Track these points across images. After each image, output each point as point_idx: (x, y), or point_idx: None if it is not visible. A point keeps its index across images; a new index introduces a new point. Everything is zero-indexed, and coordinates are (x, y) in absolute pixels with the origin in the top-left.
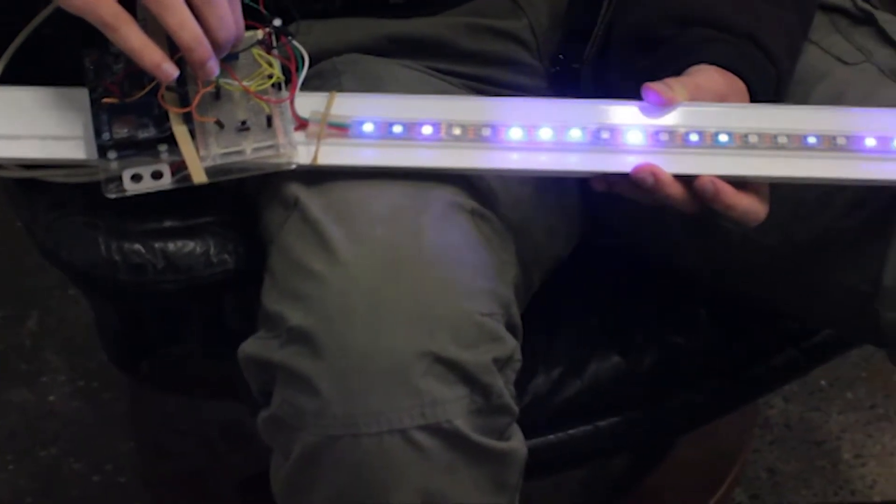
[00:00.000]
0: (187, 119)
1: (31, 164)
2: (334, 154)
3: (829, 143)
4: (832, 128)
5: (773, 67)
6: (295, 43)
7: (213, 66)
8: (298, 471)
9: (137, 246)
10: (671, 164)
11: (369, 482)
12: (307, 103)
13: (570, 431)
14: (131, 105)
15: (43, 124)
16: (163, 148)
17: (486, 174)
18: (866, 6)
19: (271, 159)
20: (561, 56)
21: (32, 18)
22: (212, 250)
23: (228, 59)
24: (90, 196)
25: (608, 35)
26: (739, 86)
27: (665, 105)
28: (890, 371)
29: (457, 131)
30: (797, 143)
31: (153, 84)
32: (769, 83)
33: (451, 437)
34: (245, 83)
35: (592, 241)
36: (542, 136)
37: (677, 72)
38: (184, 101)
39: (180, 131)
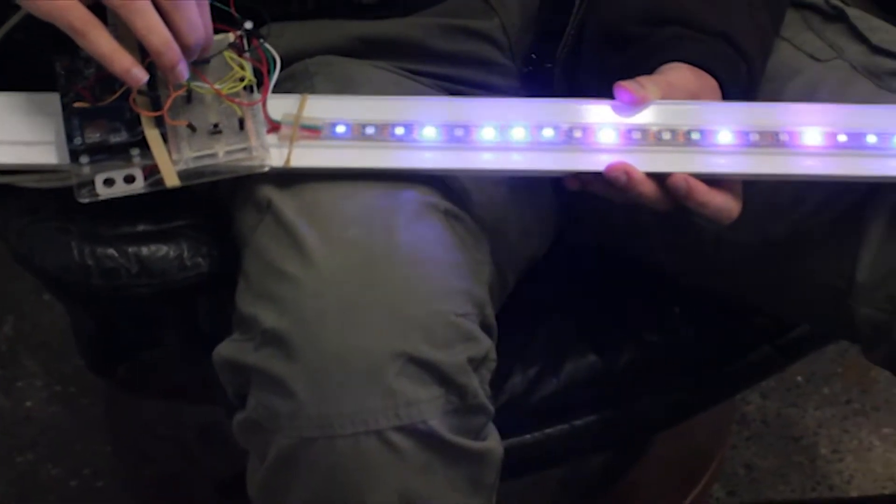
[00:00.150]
0: (159, 123)
1: (2, 170)
2: (307, 156)
3: (801, 140)
4: (804, 124)
5: (745, 65)
6: (266, 45)
7: (183, 70)
8: (274, 473)
9: (111, 250)
10: (644, 163)
11: (345, 484)
12: (279, 105)
13: (547, 430)
14: (103, 109)
15: (14, 130)
16: (135, 152)
17: (460, 174)
18: (838, 3)
19: (244, 162)
20: (533, 56)
21: (3, 24)
22: (185, 254)
23: (200, 63)
24: (63, 201)
25: (580, 34)
26: (711, 83)
27: (637, 103)
28: (866, 366)
29: (429, 132)
30: (770, 140)
31: (124, 88)
32: (741, 81)
33: (426, 438)
34: (217, 86)
35: (567, 240)
36: (515, 135)
37: (649, 70)
38: (155, 104)
39: (152, 135)
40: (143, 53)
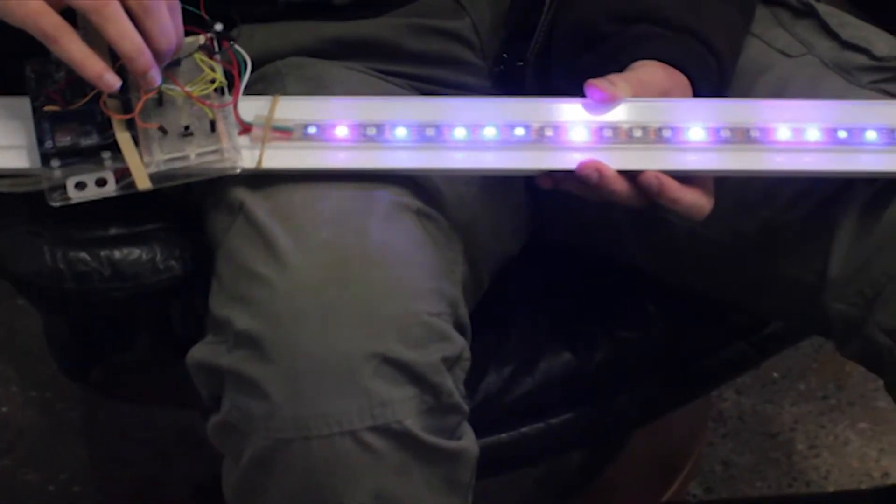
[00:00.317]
0: (130, 126)
1: None
2: (279, 157)
3: (773, 136)
4: (775, 121)
5: (716, 62)
6: (237, 47)
7: (155, 76)
8: (249, 476)
9: (83, 254)
10: (616, 160)
11: (321, 485)
12: (251, 107)
13: (523, 429)
14: (74, 113)
15: None
16: (106, 155)
17: (432, 174)
18: None
19: (216, 164)
20: (504, 55)
21: None
22: (158, 257)
23: (170, 65)
24: (34, 205)
25: (551, 33)
26: (682, 80)
27: (608, 101)
28: (841, 361)
29: (401, 132)
30: (741, 137)
31: (95, 91)
32: (712, 77)
33: (401, 438)
34: (188, 88)
35: (541, 238)
36: (487, 135)
37: (620, 68)
38: (126, 107)
39: (123, 138)
40: (113, 57)
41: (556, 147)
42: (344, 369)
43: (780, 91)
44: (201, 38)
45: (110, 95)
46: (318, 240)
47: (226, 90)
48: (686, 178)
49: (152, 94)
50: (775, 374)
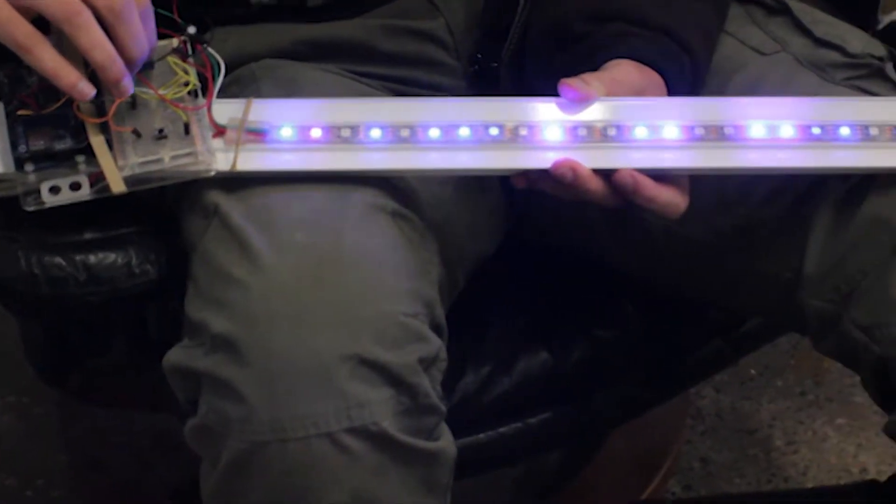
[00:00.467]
0: (104, 129)
1: None
2: (253, 160)
3: (747, 134)
4: (750, 118)
5: (689, 60)
6: (210, 50)
7: (128, 85)
8: (227, 478)
9: (58, 259)
10: (590, 159)
11: (298, 487)
12: (225, 110)
13: (501, 429)
14: (47, 117)
15: None
16: (80, 159)
17: (407, 175)
18: None
19: (190, 167)
20: (479, 55)
21: None
22: (133, 261)
23: (144, 68)
24: (8, 210)
25: (525, 33)
26: (656, 79)
27: (582, 100)
28: (818, 358)
29: (375, 133)
30: (715, 135)
31: (68, 96)
32: (686, 76)
33: (378, 439)
34: (161, 92)
35: (517, 238)
36: (461, 135)
37: (594, 67)
38: (100, 111)
39: (97, 142)
40: (86, 63)
41: (530, 146)
42: (320, 371)
43: (754, 89)
44: (174, 41)
45: None
46: (293, 242)
47: (199, 93)
48: (661, 176)
49: (126, 98)
50: (753, 371)
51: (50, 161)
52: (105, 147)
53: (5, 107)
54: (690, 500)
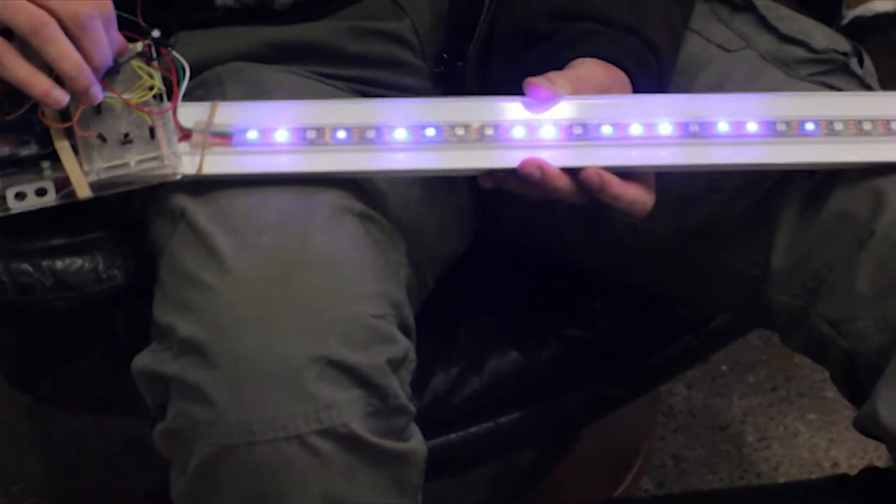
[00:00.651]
0: (69, 134)
1: None
2: (219, 163)
3: (714, 130)
4: (715, 115)
5: (655, 58)
6: (175, 53)
7: (97, 92)
8: (196, 482)
9: (25, 265)
10: (557, 158)
11: (268, 490)
12: (190, 113)
13: (472, 429)
14: (12, 123)
15: None
16: (46, 164)
17: (373, 176)
18: None
19: (156, 171)
20: (445, 55)
21: None
22: (100, 266)
23: (108, 73)
24: None
25: (491, 33)
26: (622, 77)
27: (548, 99)
28: (789, 353)
29: (341, 135)
30: (681, 132)
31: (33, 101)
32: (651, 74)
33: (348, 441)
34: (126, 96)
35: (487, 238)
36: (428, 135)
37: (560, 66)
38: (65, 116)
39: (62, 147)
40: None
41: (497, 146)
42: (288, 373)
43: (720, 85)
44: (139, 45)
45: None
46: (260, 245)
47: (165, 97)
48: (628, 174)
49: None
50: (724, 368)
51: (15, 167)
52: (70, 152)
53: None
54: (662, 497)
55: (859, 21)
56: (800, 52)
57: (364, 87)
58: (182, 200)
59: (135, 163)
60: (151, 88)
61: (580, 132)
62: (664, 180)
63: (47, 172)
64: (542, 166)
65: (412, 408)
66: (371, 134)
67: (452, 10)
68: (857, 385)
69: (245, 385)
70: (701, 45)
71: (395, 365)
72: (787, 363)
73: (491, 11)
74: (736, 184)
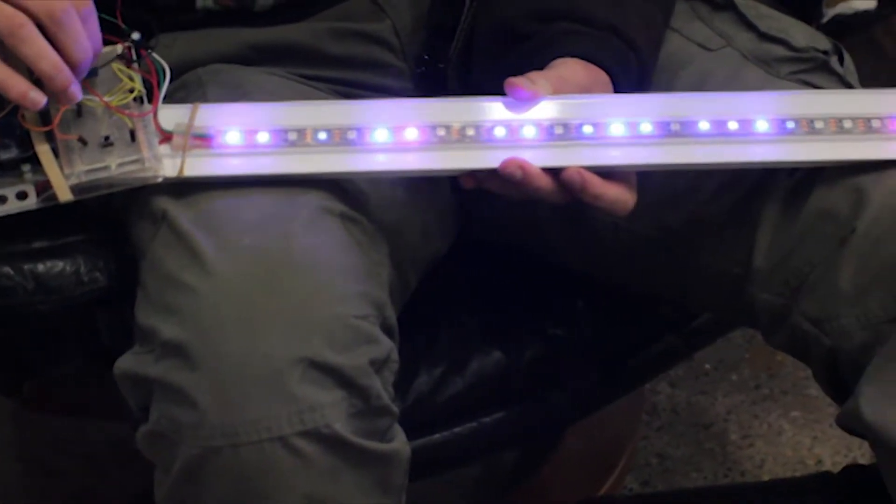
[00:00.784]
0: (50, 138)
1: None
2: (200, 165)
3: (695, 129)
4: (697, 114)
5: (636, 57)
6: (155, 55)
7: (76, 92)
8: (180, 485)
9: (6, 269)
10: (538, 158)
11: (252, 491)
12: (171, 116)
13: (456, 429)
14: None
15: None
16: (26, 168)
17: (355, 177)
18: None
19: (137, 173)
20: (426, 56)
21: None
22: (82, 269)
23: (88, 76)
24: None
25: (472, 33)
26: (602, 77)
27: (529, 99)
28: (772, 351)
29: (322, 136)
30: (662, 131)
31: (13, 105)
32: (632, 73)
33: (331, 442)
34: (106, 99)
35: (469, 238)
36: (409, 136)
37: (541, 66)
38: (45, 119)
39: (43, 150)
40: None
41: (478, 146)
42: (271, 375)
43: (700, 84)
44: (119, 48)
45: None
46: (241, 246)
47: (145, 99)
48: (609, 173)
49: (71, 105)
50: (707, 366)
51: None
52: (51, 156)
53: None
54: (646, 496)
55: (839, 19)
56: (780, 51)
57: (345, 88)
58: (163, 203)
59: (115, 166)
60: (132, 91)
61: (561, 132)
62: (645, 179)
63: (28, 176)
64: (523, 166)
65: (395, 408)
66: (352, 135)
67: (433, 11)
68: (839, 382)
69: (228, 387)
70: (681, 44)
71: (378, 365)
72: (770, 361)
73: (472, 12)
74: (717, 182)
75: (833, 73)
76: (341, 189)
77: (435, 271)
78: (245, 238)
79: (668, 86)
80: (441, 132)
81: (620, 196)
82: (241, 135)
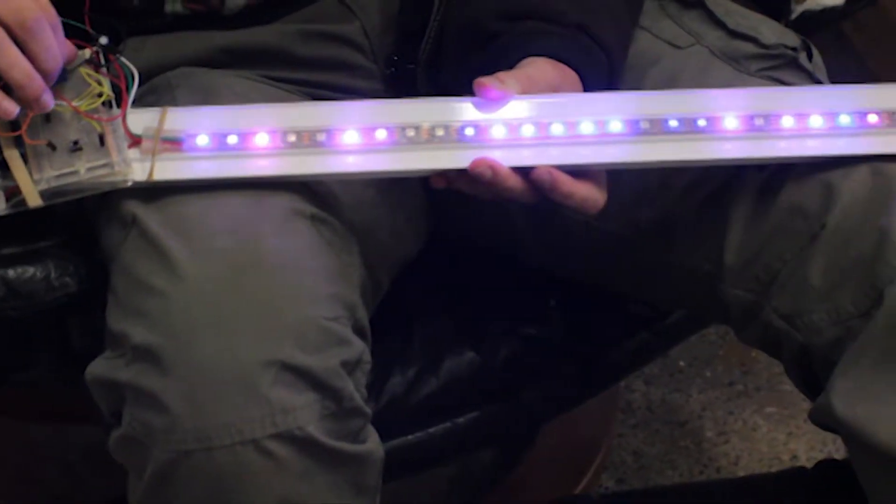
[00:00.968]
0: (18, 143)
1: None
2: (170, 169)
3: (664, 127)
4: (665, 111)
5: (605, 56)
6: (123, 60)
7: (48, 100)
8: (153, 489)
9: None
10: (508, 157)
11: (225, 495)
12: (140, 119)
13: (430, 430)
14: None
15: None
16: None
17: (324, 179)
18: None
19: (106, 178)
20: (395, 57)
21: None
22: (52, 274)
23: (57, 81)
24: None
25: (441, 34)
26: (571, 76)
27: (498, 99)
28: (747, 348)
29: (292, 138)
30: (631, 129)
31: None
32: (601, 72)
33: (304, 444)
34: (75, 103)
35: (441, 239)
36: (378, 137)
37: (510, 66)
38: (13, 124)
39: (12, 156)
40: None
41: (448, 147)
42: (243, 378)
43: (670, 82)
44: (87, 52)
45: None
46: (212, 249)
47: (114, 103)
48: (579, 172)
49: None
50: (682, 363)
51: None
52: (20, 161)
53: None
54: (622, 494)
55: (808, 15)
56: (749, 48)
57: (315, 90)
58: (133, 207)
59: (85, 170)
60: (100, 95)
61: (531, 131)
62: (616, 178)
63: None
64: (492, 166)
65: (368, 409)
66: (322, 137)
67: (402, 12)
68: (811, 378)
69: (200, 390)
70: (650, 42)
71: (350, 367)
72: (744, 357)
73: (441, 12)
74: (687, 180)
75: (802, 69)
76: (312, 191)
77: (407, 272)
78: (215, 241)
79: (637, 84)
80: (411, 133)
81: (591, 195)
82: (211, 138)
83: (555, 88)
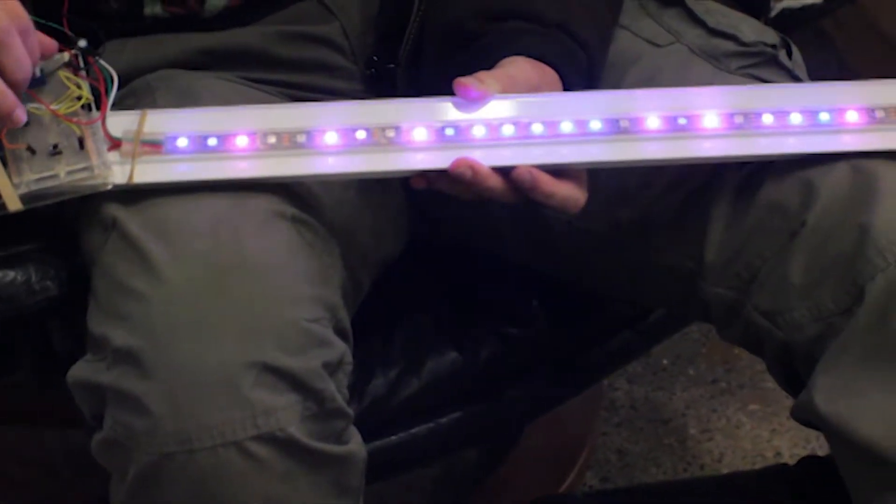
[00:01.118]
0: None
1: None
2: (150, 171)
3: (643, 126)
4: (646, 110)
5: (584, 55)
6: (102, 62)
7: (21, 115)
8: (136, 492)
9: None
10: (489, 157)
11: (208, 497)
12: (120, 122)
13: (413, 430)
14: None
15: None
16: None
17: (305, 180)
18: None
19: (86, 181)
20: (375, 58)
21: None
22: (33, 278)
23: (35, 84)
24: None
25: (422, 34)
26: (551, 75)
27: (478, 99)
28: (729, 345)
29: (272, 139)
30: (611, 128)
31: None
32: (581, 71)
33: (286, 446)
34: (54, 107)
35: (423, 239)
36: (358, 138)
37: (490, 66)
38: None
39: None
40: None
41: (428, 147)
42: (224, 380)
43: (650, 80)
44: (66, 55)
45: None
46: (192, 251)
47: (93, 106)
48: (560, 171)
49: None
50: (665, 361)
51: None
52: None
53: None
54: (606, 492)
55: (787, 12)
56: (729, 46)
57: (295, 91)
58: (113, 210)
59: (64, 174)
60: (80, 98)
61: (511, 131)
62: (596, 177)
63: None
64: (473, 166)
65: (350, 411)
66: (302, 138)
67: (382, 13)
68: (793, 375)
69: (181, 393)
70: (630, 40)
71: (332, 368)
72: (727, 355)
73: (420, 13)
74: (668, 178)
75: (781, 67)
76: (292, 192)
77: (389, 272)
78: (196, 243)
79: (617, 83)
80: (391, 133)
81: (572, 194)
82: (191, 140)
83: (535, 88)
